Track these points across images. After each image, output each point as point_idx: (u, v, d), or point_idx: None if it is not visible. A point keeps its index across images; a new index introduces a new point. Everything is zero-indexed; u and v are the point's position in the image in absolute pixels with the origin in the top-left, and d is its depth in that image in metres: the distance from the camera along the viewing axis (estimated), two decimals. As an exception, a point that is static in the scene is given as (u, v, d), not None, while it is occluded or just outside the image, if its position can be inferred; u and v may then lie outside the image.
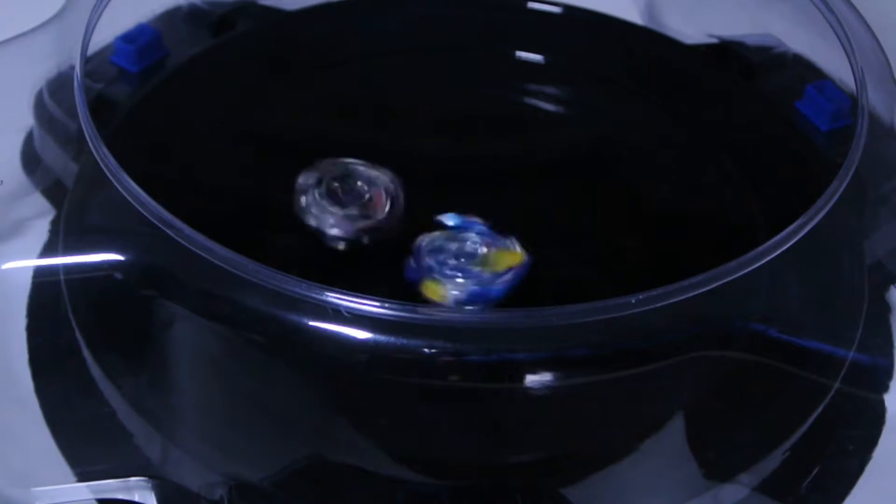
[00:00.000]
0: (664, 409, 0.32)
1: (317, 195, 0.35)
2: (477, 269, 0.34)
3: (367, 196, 0.36)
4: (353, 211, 0.35)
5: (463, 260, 0.34)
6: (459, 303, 0.33)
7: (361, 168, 0.36)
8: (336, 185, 0.36)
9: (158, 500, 0.32)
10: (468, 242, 0.34)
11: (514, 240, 0.34)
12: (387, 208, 0.36)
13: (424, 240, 0.34)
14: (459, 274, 0.33)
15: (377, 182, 0.36)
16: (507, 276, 0.33)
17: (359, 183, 0.36)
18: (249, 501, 0.31)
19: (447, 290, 0.33)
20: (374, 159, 0.38)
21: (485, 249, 0.34)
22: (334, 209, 0.35)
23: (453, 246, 0.34)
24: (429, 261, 0.34)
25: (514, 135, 0.41)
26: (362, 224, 0.35)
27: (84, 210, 0.35)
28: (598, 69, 0.43)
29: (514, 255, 0.34)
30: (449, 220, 0.35)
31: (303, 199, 0.35)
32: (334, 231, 0.35)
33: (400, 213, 0.36)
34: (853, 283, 0.35)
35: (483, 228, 0.35)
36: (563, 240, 0.37)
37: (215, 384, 0.33)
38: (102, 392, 0.34)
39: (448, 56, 0.44)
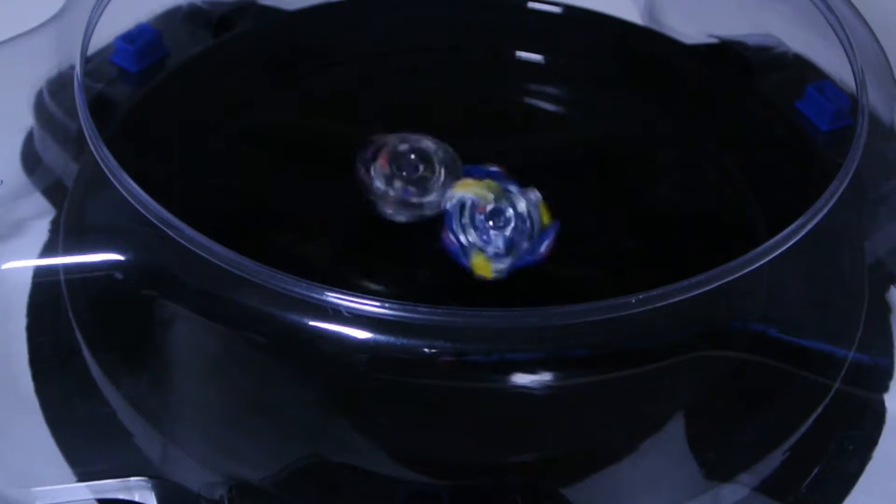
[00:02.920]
0: (664, 409, 0.32)
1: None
2: (526, 227, 0.34)
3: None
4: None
5: (494, 223, 0.34)
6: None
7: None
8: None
9: (158, 500, 0.32)
10: (498, 205, 0.35)
11: (533, 190, 0.35)
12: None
13: (451, 201, 0.34)
14: (501, 247, 0.34)
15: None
16: (547, 237, 0.34)
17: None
18: (249, 501, 0.31)
19: (494, 266, 0.34)
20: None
21: (523, 205, 0.34)
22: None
23: (484, 210, 0.34)
24: (470, 237, 0.34)
25: (514, 135, 0.41)
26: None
27: (84, 210, 0.35)
28: (598, 69, 0.43)
29: (545, 209, 0.35)
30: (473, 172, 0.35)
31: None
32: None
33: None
34: (853, 283, 0.35)
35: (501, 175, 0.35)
36: (563, 239, 0.37)
37: (215, 384, 0.33)
38: (102, 392, 0.34)
39: (448, 56, 0.44)
